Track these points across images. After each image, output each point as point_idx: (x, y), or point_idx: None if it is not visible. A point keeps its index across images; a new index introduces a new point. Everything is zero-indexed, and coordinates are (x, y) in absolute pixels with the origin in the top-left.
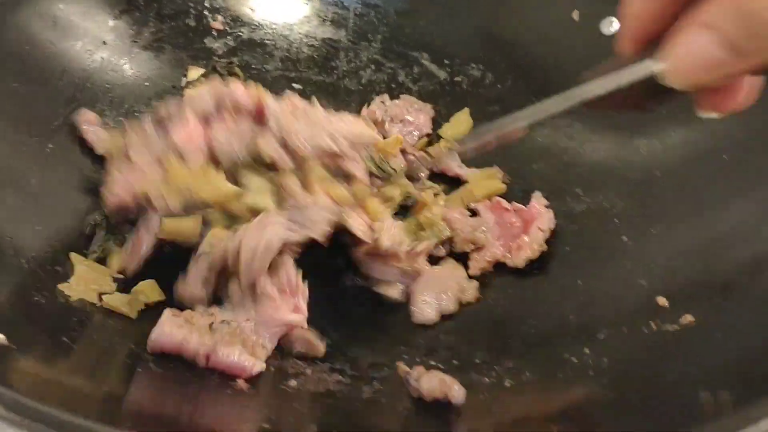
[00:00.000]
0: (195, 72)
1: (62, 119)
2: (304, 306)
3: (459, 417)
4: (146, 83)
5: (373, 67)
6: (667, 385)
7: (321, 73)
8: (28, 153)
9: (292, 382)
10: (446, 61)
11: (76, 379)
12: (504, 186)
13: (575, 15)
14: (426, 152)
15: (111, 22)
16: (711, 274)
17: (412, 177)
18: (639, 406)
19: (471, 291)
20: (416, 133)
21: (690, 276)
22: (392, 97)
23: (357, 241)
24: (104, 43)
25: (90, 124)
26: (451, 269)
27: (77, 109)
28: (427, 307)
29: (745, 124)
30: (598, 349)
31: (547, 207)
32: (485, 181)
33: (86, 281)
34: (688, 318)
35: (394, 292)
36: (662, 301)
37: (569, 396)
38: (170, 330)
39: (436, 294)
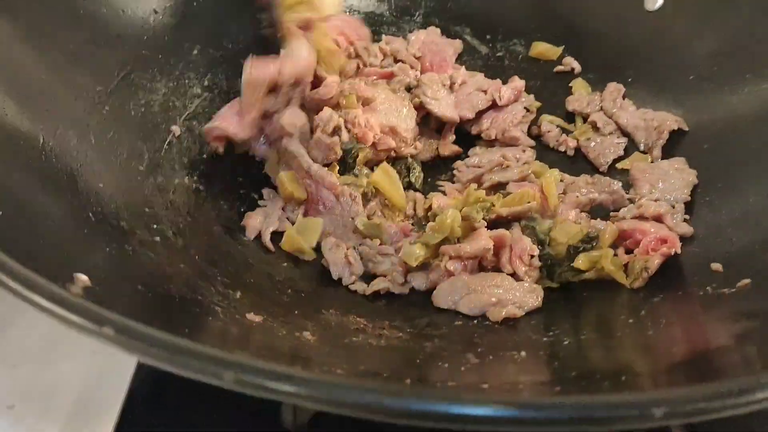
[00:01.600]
0: None
1: (117, 82)
2: None
3: (523, 368)
4: (194, 51)
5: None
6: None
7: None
8: (86, 114)
9: (355, 338)
10: (488, 36)
11: None
12: None
13: None
14: None
15: None
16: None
17: None
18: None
19: None
20: None
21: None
22: None
23: None
24: (155, 11)
25: None
26: None
27: (131, 73)
28: None
29: None
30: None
31: None
32: None
33: None
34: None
35: None
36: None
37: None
38: None
39: None
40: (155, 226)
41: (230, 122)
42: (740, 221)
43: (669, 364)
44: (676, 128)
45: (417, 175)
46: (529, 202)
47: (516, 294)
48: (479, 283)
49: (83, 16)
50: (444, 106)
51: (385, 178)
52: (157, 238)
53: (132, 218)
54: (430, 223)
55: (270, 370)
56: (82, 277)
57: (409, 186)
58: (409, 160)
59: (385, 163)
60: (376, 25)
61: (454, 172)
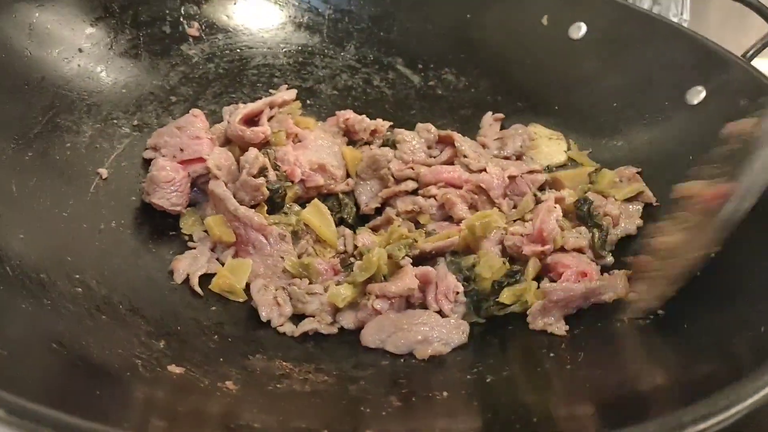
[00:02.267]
0: None
1: (40, 127)
2: None
3: (443, 410)
4: (123, 90)
5: (348, 72)
6: None
7: (297, 79)
8: (8, 161)
9: (279, 384)
10: (420, 66)
11: None
12: None
13: (545, 20)
14: None
15: (87, 30)
16: None
17: None
18: None
19: None
20: None
21: None
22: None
23: None
24: (80, 50)
25: None
26: None
27: (55, 117)
28: None
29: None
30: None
31: None
32: None
33: None
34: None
35: None
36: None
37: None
38: None
39: None
40: (77, 276)
41: (166, 197)
42: None
43: (583, 402)
44: None
45: (349, 210)
46: (450, 237)
47: (442, 331)
48: (406, 321)
49: (3, 62)
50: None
51: (316, 214)
52: (79, 289)
53: (53, 269)
54: (357, 262)
55: None
56: None
57: (341, 222)
58: (341, 196)
59: (316, 200)
60: (309, 57)
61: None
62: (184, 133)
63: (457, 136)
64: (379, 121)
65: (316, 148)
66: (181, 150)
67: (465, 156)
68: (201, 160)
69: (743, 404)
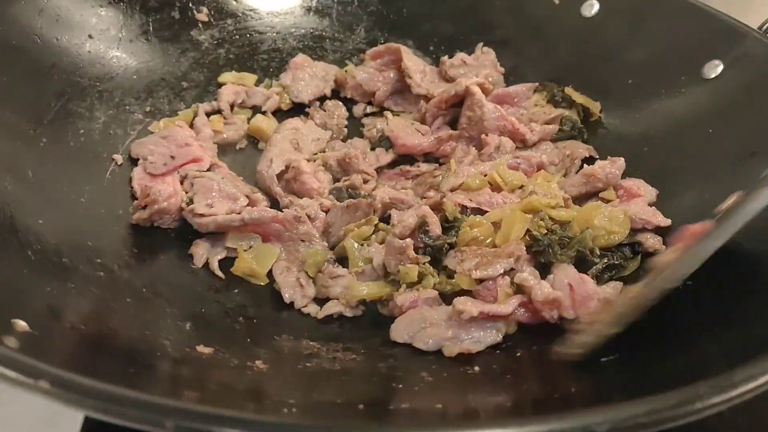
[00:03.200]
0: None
1: (54, 113)
2: None
3: (476, 384)
4: (134, 76)
5: (358, 55)
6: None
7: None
8: (23, 147)
9: (308, 363)
10: (431, 48)
11: None
12: None
13: None
14: None
15: (97, 16)
16: None
17: None
18: None
19: None
20: None
21: None
22: None
23: None
24: (90, 36)
25: None
26: None
27: (68, 103)
28: None
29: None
30: None
31: None
32: None
33: None
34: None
35: None
36: None
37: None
38: None
39: None
40: (99, 260)
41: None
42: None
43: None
44: (587, 156)
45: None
46: None
47: (476, 328)
48: (437, 316)
49: (15, 48)
50: None
51: None
52: (101, 273)
53: (74, 253)
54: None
55: (210, 414)
56: (21, 324)
57: None
58: None
59: None
60: (319, 40)
61: None
62: (172, 143)
63: (405, 52)
64: None
65: None
66: (172, 158)
67: (410, 77)
68: (196, 160)
69: None
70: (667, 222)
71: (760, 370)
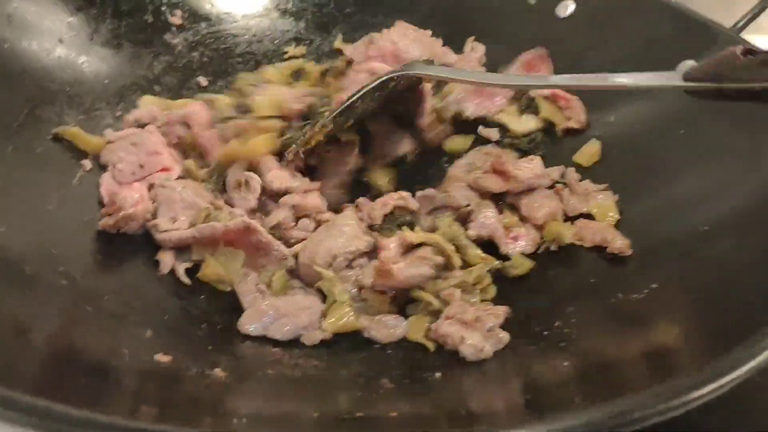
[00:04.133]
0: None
1: (22, 119)
2: None
3: (438, 392)
4: (106, 80)
5: (334, 57)
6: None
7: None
8: None
9: (270, 371)
10: None
11: None
12: None
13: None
14: None
15: (67, 20)
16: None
17: None
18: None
19: None
20: None
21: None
22: None
23: None
24: (61, 41)
25: None
26: None
27: (36, 109)
28: None
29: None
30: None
31: None
32: None
33: None
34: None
35: None
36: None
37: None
38: None
39: None
40: (62, 268)
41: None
42: (649, 222)
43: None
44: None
45: None
46: None
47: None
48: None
49: None
50: None
51: None
52: (64, 282)
53: (37, 262)
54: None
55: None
56: None
57: None
58: None
59: None
60: (294, 42)
61: None
62: (142, 150)
63: None
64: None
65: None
66: (141, 166)
67: None
68: (165, 169)
69: None
70: None
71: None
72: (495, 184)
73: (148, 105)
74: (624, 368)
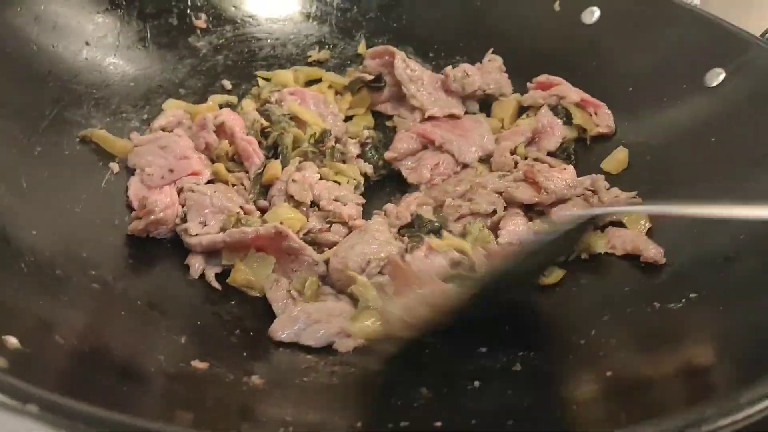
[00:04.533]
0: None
1: (49, 121)
2: None
3: (475, 400)
4: (131, 83)
5: (358, 62)
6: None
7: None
8: (17, 155)
9: (306, 378)
10: (431, 54)
11: None
12: None
13: (557, 5)
14: None
15: (94, 22)
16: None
17: None
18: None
19: None
20: None
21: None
22: None
23: None
24: (87, 43)
25: None
26: None
27: (64, 111)
28: None
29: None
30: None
31: None
32: None
33: None
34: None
35: None
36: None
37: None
38: None
39: None
40: (93, 271)
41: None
42: (682, 232)
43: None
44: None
45: None
46: None
47: None
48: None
49: (9, 55)
50: None
51: None
52: (95, 285)
53: (68, 264)
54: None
55: None
56: (12, 341)
57: None
58: None
59: None
60: (319, 47)
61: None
62: (170, 154)
63: (399, 60)
64: None
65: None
66: (171, 171)
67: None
68: (195, 173)
69: None
70: None
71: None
72: (526, 196)
73: (173, 109)
74: (659, 385)
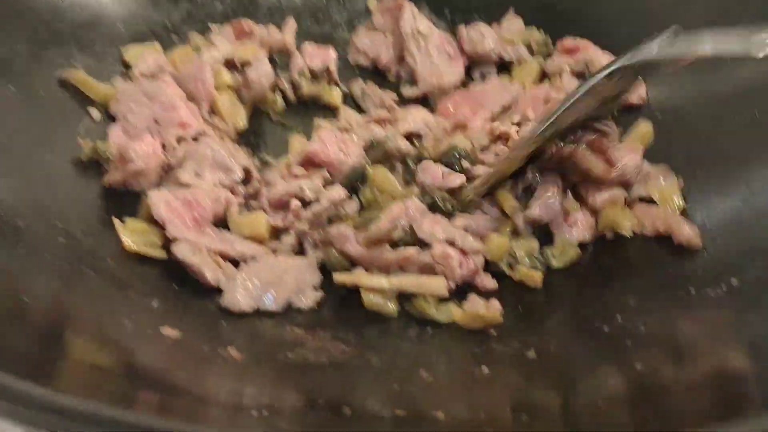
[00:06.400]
0: None
1: (25, 60)
2: None
3: (486, 388)
4: (120, 25)
5: (367, 17)
6: None
7: (314, 23)
8: None
9: (290, 353)
10: (446, 11)
11: None
12: None
13: None
14: None
15: None
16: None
17: None
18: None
19: None
20: None
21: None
22: None
23: None
24: None
25: None
26: None
27: (43, 50)
28: None
29: None
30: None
31: None
32: None
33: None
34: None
35: None
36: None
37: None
38: None
39: None
40: (59, 224)
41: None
42: (719, 213)
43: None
44: None
45: None
46: None
47: None
48: None
49: None
50: None
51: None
52: (61, 239)
53: (32, 214)
54: None
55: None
56: None
57: None
58: None
59: None
60: (321, 11)
61: None
62: (157, 103)
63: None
64: None
65: None
66: (156, 121)
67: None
68: (183, 125)
69: None
70: None
71: None
72: (598, 169)
73: (153, 56)
74: (686, 392)
